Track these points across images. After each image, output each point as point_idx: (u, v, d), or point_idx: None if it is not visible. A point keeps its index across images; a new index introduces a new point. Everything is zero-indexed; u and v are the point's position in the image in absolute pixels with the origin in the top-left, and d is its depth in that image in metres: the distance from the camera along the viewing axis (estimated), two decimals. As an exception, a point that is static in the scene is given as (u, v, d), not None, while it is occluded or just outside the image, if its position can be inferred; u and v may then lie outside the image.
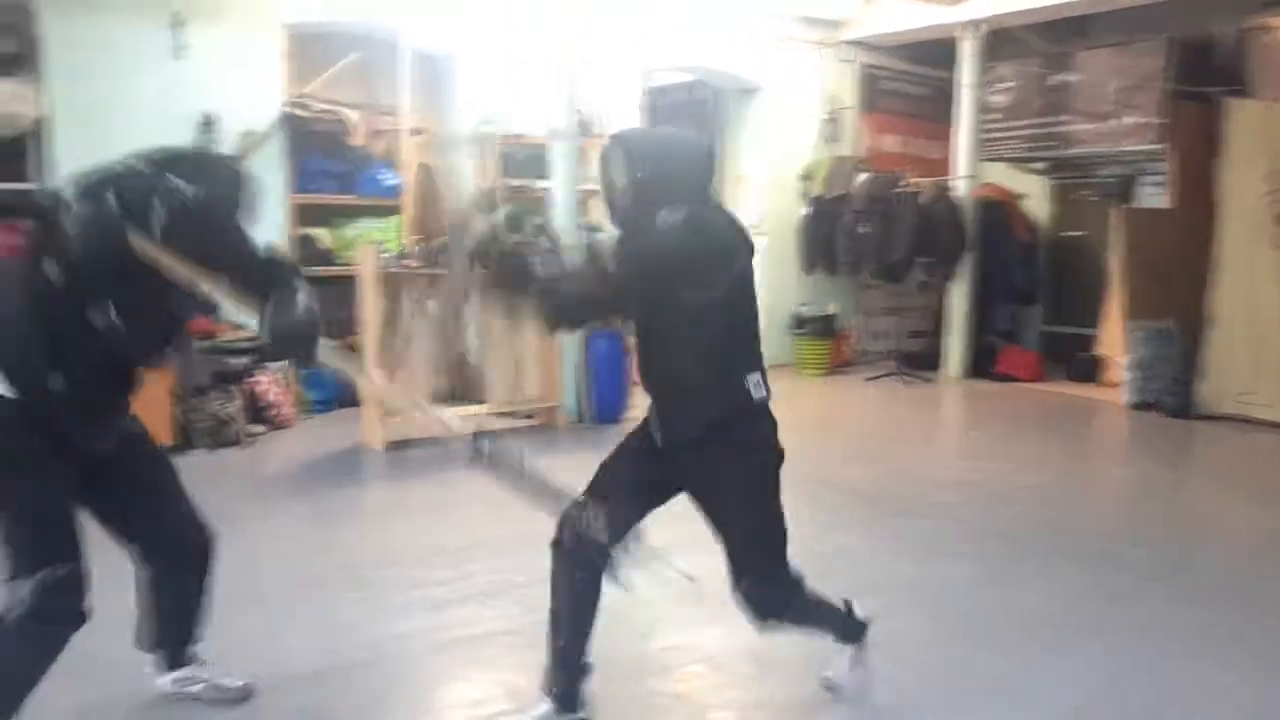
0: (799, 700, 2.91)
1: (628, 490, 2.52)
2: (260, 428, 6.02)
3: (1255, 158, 7.05)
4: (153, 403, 5.38)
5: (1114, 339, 8.16)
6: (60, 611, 2.24)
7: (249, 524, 4.50)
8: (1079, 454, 6.66)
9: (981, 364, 8.91)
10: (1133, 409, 7.50)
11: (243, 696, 2.76)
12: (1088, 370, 8.60)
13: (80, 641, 2.33)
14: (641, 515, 2.53)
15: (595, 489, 2.54)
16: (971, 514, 4.85)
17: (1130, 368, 7.58)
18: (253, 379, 6.06)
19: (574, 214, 6.57)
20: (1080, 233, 9.54)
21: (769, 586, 2.52)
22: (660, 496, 2.58)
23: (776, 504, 2.53)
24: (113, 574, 2.57)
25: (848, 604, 2.79)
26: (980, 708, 2.86)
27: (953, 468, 6.08)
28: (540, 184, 7.20)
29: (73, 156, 5.84)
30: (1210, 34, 8.19)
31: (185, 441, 5.54)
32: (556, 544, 2.55)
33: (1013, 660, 3.17)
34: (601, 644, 3.20)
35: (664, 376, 2.49)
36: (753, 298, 2.51)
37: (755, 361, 2.52)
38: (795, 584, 2.57)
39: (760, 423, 2.52)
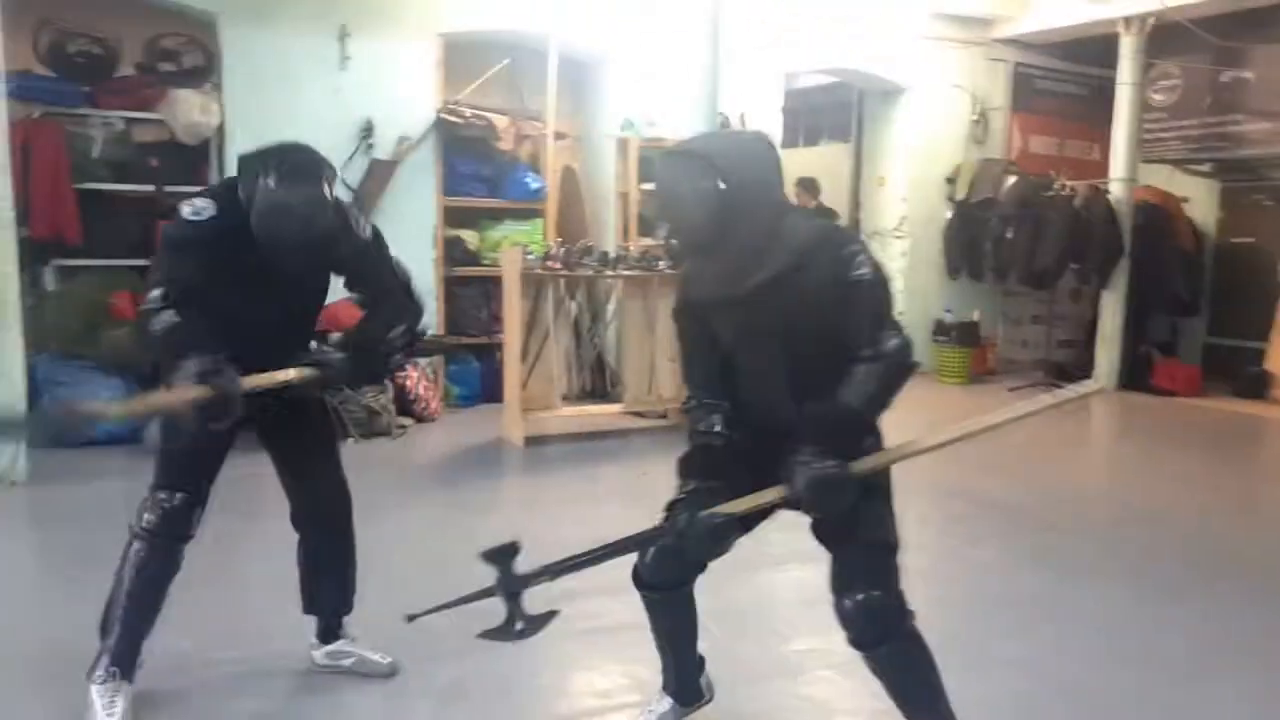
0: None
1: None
2: (408, 420, 6.32)
3: None
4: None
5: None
6: (171, 528, 2.59)
7: (395, 511, 4.76)
8: (1238, 474, 6.27)
9: (1136, 377, 8.48)
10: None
11: (390, 673, 2.94)
12: (1255, 386, 8.08)
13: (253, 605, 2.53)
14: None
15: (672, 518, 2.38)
16: (1116, 533, 4.65)
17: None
18: (403, 373, 6.37)
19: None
20: (1250, 239, 8.95)
21: (885, 605, 2.26)
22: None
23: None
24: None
25: None
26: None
27: (1098, 484, 5.84)
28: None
29: (247, 160, 6.31)
30: None
31: (339, 431, 5.87)
32: (642, 588, 2.57)
33: (1156, 683, 3.04)
34: (734, 644, 3.26)
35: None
36: None
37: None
38: (907, 612, 2.28)
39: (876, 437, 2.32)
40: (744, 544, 3.98)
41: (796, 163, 9.81)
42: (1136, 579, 4.01)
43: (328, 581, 2.92)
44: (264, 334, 2.60)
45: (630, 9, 7.38)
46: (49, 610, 3.30)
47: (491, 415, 6.48)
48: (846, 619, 2.24)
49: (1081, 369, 8.75)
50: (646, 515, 3.76)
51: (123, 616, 2.59)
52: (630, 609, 3.45)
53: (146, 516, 2.59)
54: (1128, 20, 8.16)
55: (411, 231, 6.85)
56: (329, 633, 2.95)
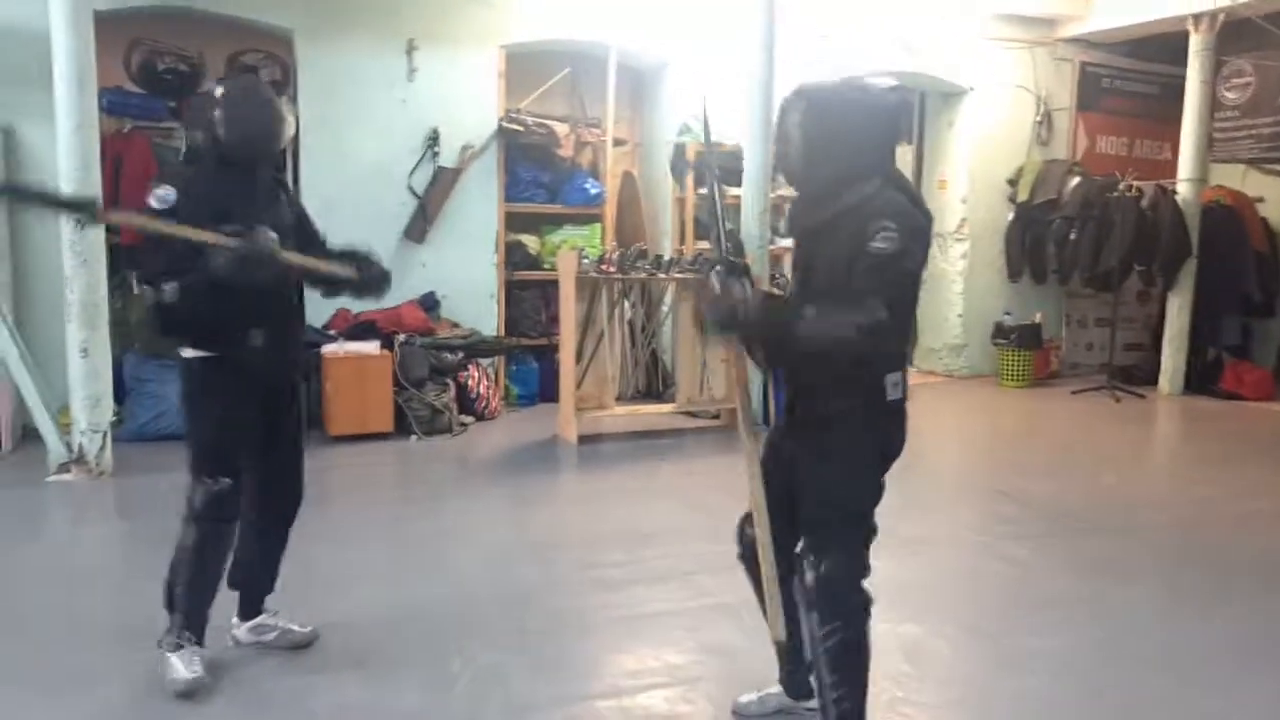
0: (949, 703, 2.96)
1: (773, 506, 2.43)
2: (469, 418, 6.56)
3: None
4: (376, 392, 6.03)
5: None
6: (222, 511, 2.85)
7: (454, 503, 5.01)
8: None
9: (1206, 380, 8.32)
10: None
11: (311, 639, 3.16)
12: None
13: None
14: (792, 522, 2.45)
15: (809, 521, 2.46)
16: (1168, 538, 4.63)
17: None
18: (464, 373, 6.61)
19: (764, 220, 6.72)
20: (1328, 238, 8.71)
21: (826, 576, 2.35)
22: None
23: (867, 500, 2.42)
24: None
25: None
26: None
27: (1155, 488, 5.77)
28: (733, 191, 7.40)
29: (318, 169, 6.63)
30: None
31: (404, 427, 6.13)
32: (740, 557, 2.67)
33: (1189, 688, 3.07)
34: (764, 633, 3.36)
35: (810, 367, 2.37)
36: (916, 295, 2.37)
37: (898, 361, 2.41)
38: (853, 591, 2.39)
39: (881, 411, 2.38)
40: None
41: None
42: (1171, 582, 4.02)
43: (269, 565, 3.13)
44: (257, 294, 2.79)
45: (687, 17, 7.52)
46: (129, 587, 3.58)
47: (549, 414, 6.69)
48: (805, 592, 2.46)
49: (1147, 372, 8.62)
50: (689, 512, 3.91)
51: (186, 593, 2.86)
52: (667, 599, 3.62)
53: (198, 502, 2.84)
54: (1197, 17, 8.01)
55: (475, 237, 7.12)
56: (252, 609, 3.15)
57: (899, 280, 2.23)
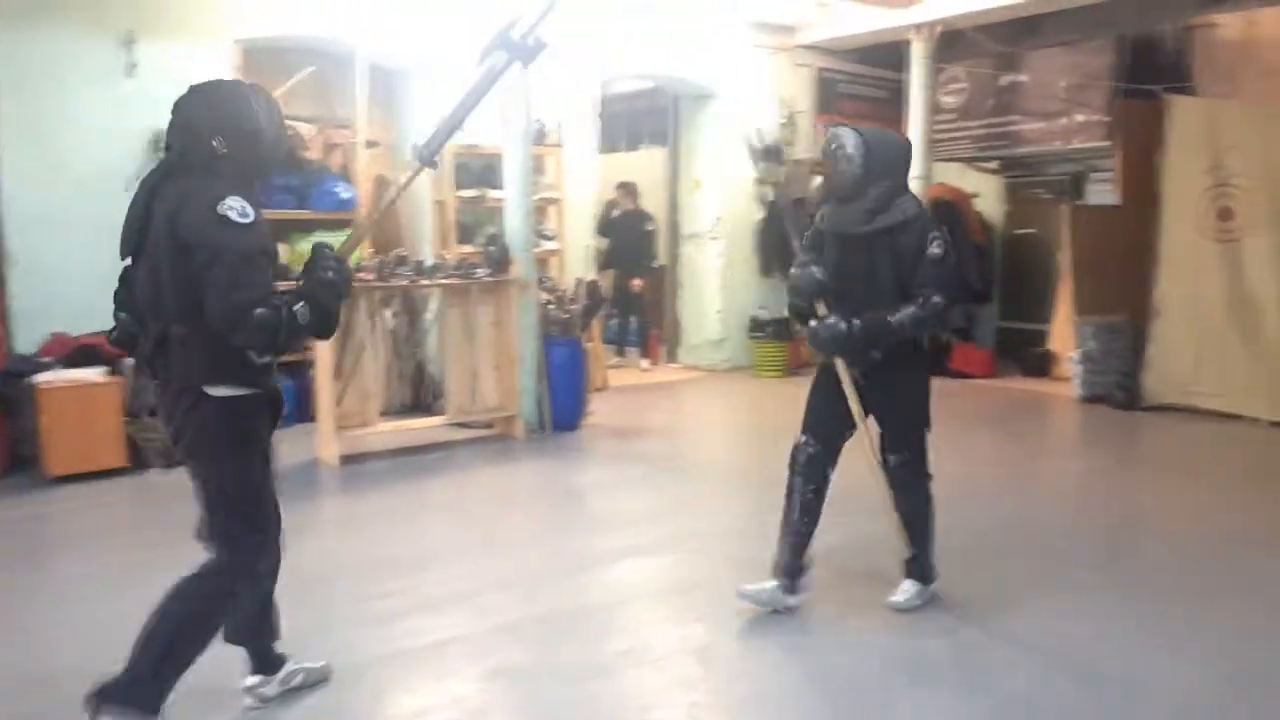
0: (744, 701, 2.98)
1: (833, 419, 3.45)
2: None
3: (1197, 153, 7.21)
4: (105, 424, 5.41)
5: (1064, 334, 8.32)
6: (264, 565, 2.67)
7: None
8: (1030, 448, 6.78)
9: (936, 362, 9.03)
10: (1083, 402, 7.65)
11: (329, 673, 2.99)
12: (1040, 366, 8.76)
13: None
14: (845, 434, 3.48)
15: (809, 424, 3.50)
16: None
17: (1080, 362, 7.73)
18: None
19: (529, 223, 6.62)
20: (1032, 230, 9.71)
21: (912, 465, 3.49)
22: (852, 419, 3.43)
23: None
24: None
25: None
26: (934, 688, 2.94)
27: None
28: (494, 194, 7.26)
29: (20, 172, 5.86)
30: (1156, 32, 8.37)
31: (139, 462, 5.53)
32: (791, 466, 3.51)
33: (951, 642, 3.26)
34: (553, 648, 3.27)
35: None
36: None
37: None
38: (927, 476, 3.54)
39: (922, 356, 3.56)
40: (562, 551, 4.02)
41: (618, 167, 9.96)
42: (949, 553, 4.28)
43: (273, 609, 2.89)
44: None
45: (439, 17, 7.28)
46: None
47: (306, 435, 6.24)
48: (888, 476, 3.51)
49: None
50: (464, 529, 3.75)
51: (185, 653, 2.56)
52: (449, 626, 3.43)
53: (242, 560, 2.61)
54: (918, 27, 8.67)
55: (214, 246, 6.54)
56: (272, 661, 2.90)
57: (950, 273, 3.36)
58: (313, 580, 3.92)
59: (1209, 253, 7.15)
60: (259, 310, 2.31)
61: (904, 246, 3.26)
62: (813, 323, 3.29)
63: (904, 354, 3.37)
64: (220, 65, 6.53)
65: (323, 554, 4.40)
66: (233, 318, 2.32)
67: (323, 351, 5.85)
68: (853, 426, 3.44)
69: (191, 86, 2.52)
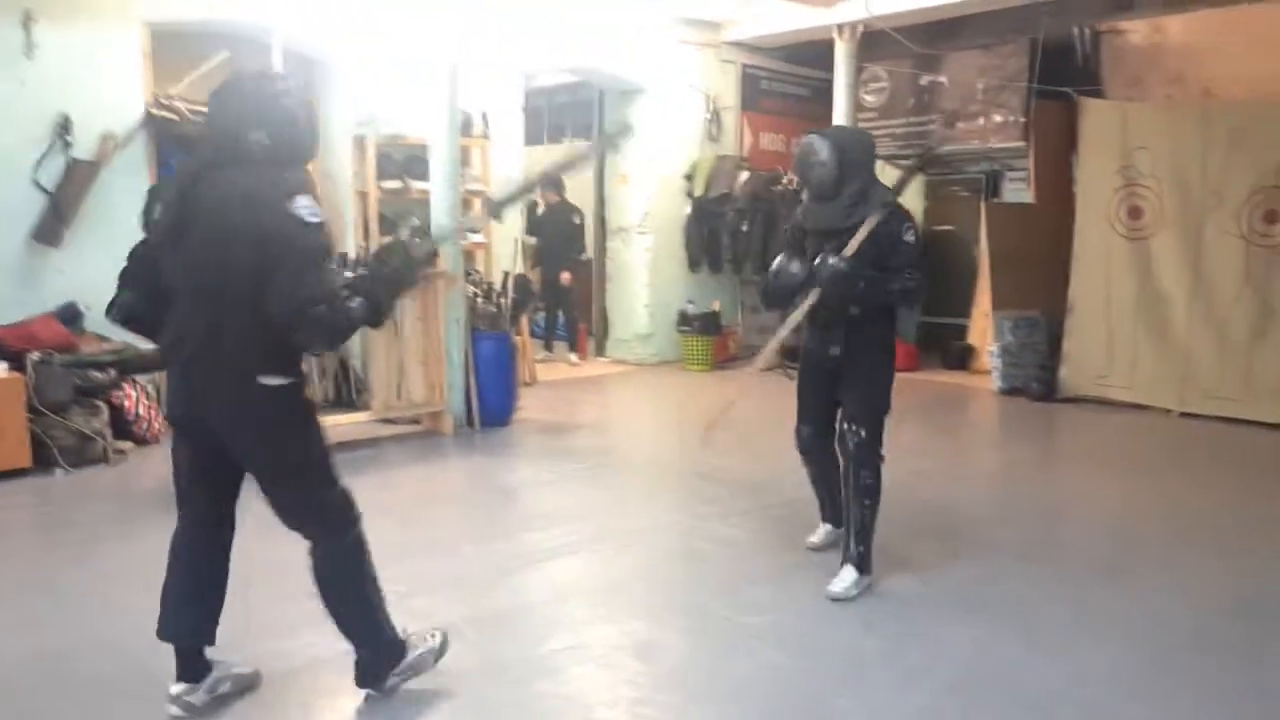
0: (687, 696, 2.95)
1: (819, 401, 3.82)
2: (127, 444, 5.76)
3: (1108, 154, 7.46)
4: (6, 421, 5.13)
5: (983, 328, 8.53)
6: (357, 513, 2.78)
7: (116, 544, 4.33)
8: (951, 440, 6.92)
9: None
10: (1002, 395, 7.85)
11: (256, 678, 2.93)
12: (960, 359, 8.96)
13: None
14: (834, 415, 3.81)
15: (801, 411, 3.91)
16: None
17: (998, 355, 7.93)
18: (118, 393, 5.80)
19: (454, 215, 6.50)
20: (951, 227, 9.93)
21: (867, 443, 3.65)
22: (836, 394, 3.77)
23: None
24: None
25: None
26: (863, 681, 2.96)
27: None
28: (418, 185, 7.11)
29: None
30: (1068, 36, 8.63)
31: (45, 460, 5.26)
32: (798, 448, 3.98)
33: (885, 636, 3.29)
34: (494, 648, 3.20)
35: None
36: None
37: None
38: (879, 456, 3.69)
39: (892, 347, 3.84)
40: (496, 550, 3.96)
41: (541, 160, 9.85)
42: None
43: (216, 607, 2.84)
44: None
45: (360, 5, 7.09)
46: None
47: (226, 432, 6.03)
48: (843, 447, 3.75)
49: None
50: (397, 528, 3.64)
51: (380, 604, 2.81)
52: (323, 646, 3.28)
53: (347, 508, 2.73)
54: (840, 27, 8.77)
55: (124, 239, 6.05)
56: (200, 668, 2.77)
57: (923, 255, 3.64)
58: (237, 582, 3.76)
59: (1120, 250, 7.40)
60: (320, 308, 2.38)
61: (882, 234, 3.52)
62: (824, 259, 3.51)
63: (879, 342, 3.72)
64: (127, 49, 6.27)
65: (247, 555, 4.23)
66: (296, 316, 2.39)
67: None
68: (838, 405, 3.79)
69: (225, 81, 2.58)
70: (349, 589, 2.73)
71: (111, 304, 2.78)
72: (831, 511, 4.09)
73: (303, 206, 2.40)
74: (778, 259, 3.73)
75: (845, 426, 3.69)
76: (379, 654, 2.78)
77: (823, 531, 4.17)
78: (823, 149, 3.59)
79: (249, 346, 2.47)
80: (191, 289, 2.52)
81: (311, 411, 2.66)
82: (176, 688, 2.73)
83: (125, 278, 2.74)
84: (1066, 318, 7.61)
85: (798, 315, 3.62)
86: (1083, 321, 7.54)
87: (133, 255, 2.72)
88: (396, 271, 2.60)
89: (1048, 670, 3.08)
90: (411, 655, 2.85)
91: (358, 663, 2.78)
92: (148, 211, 2.62)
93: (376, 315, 2.57)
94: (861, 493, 3.66)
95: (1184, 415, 6.98)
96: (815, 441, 3.92)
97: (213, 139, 2.53)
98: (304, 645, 3.21)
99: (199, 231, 2.46)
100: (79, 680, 2.97)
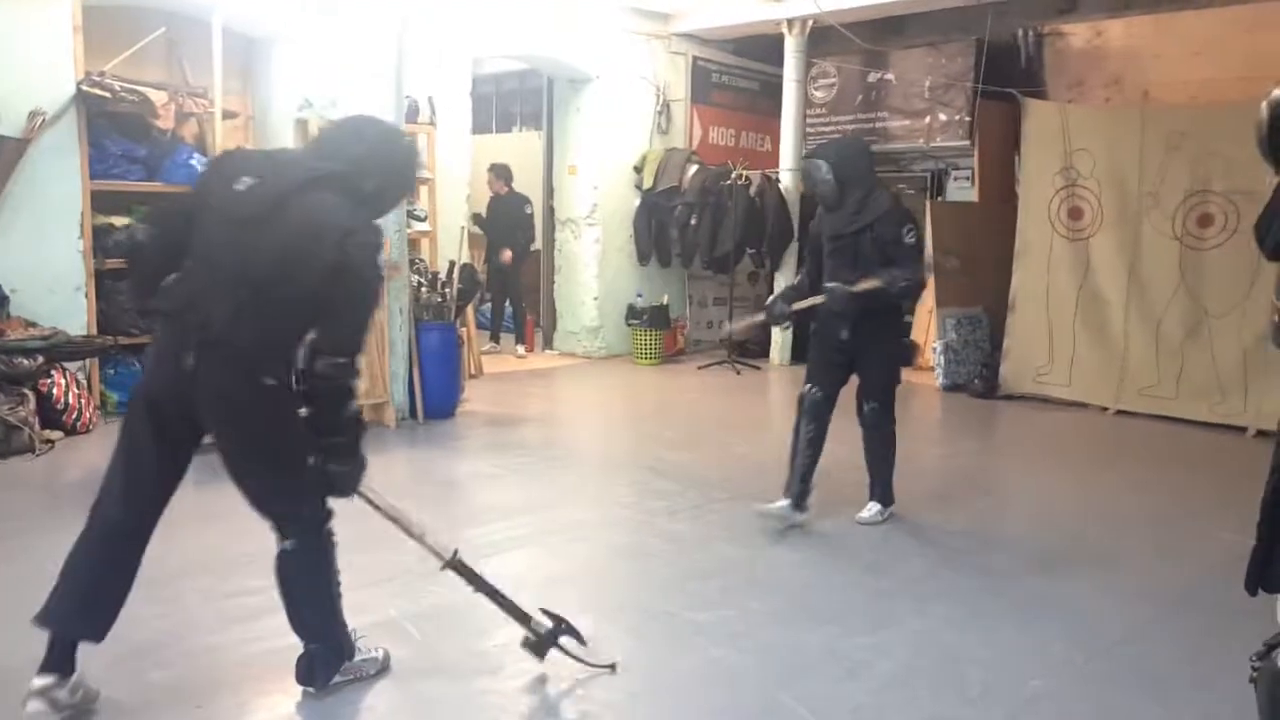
0: (630, 693, 2.92)
1: (830, 369, 4.40)
2: (56, 433, 5.56)
3: (1050, 155, 7.58)
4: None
5: (927, 325, 8.62)
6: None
7: (42, 538, 4.14)
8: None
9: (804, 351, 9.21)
10: (945, 391, 7.95)
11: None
12: (906, 354, 9.03)
13: None
14: (840, 384, 4.43)
15: (812, 375, 4.41)
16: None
17: (941, 352, 8.03)
18: (46, 380, 5.59)
19: (401, 206, 6.37)
20: (897, 224, 10.00)
21: (881, 411, 4.44)
22: (847, 371, 4.43)
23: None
24: None
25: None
26: (807, 677, 2.95)
27: (779, 453, 6.25)
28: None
29: None
30: (1011, 37, 8.75)
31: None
32: (800, 403, 4.41)
33: (831, 632, 3.29)
34: (436, 645, 3.14)
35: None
36: None
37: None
38: (892, 421, 4.48)
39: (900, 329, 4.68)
40: (442, 543, 3.85)
41: (489, 149, 9.76)
42: (810, 538, 4.34)
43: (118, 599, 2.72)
44: None
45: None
46: None
47: (160, 422, 5.86)
48: (862, 419, 4.51)
49: (761, 345, 9.39)
50: (341, 518, 3.56)
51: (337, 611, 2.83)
52: (254, 644, 3.20)
53: (320, 514, 2.75)
54: (790, 21, 8.81)
55: (52, 219, 6.04)
56: (69, 662, 2.61)
57: (920, 254, 4.30)
58: (168, 579, 3.65)
59: (1061, 249, 7.53)
60: (347, 360, 2.52)
61: (883, 235, 4.15)
62: (828, 284, 4.23)
63: (890, 328, 4.43)
64: (57, 23, 6.03)
65: (180, 550, 4.09)
66: (342, 355, 2.51)
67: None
68: (846, 378, 4.43)
69: (353, 120, 2.75)
70: (312, 583, 2.73)
71: (118, 242, 2.81)
72: (799, 490, 4.38)
73: (384, 262, 2.61)
74: (774, 294, 4.57)
75: (861, 403, 4.43)
76: (329, 652, 2.76)
77: (780, 506, 4.38)
78: (822, 167, 4.21)
79: (266, 345, 2.52)
80: (233, 273, 2.49)
81: (295, 409, 2.61)
82: (41, 681, 2.56)
83: (156, 216, 2.81)
84: (1008, 315, 7.73)
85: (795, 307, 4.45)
86: (1023, 320, 7.67)
87: (175, 202, 2.77)
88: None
89: (987, 664, 3.11)
90: (358, 658, 2.85)
91: (303, 658, 2.75)
92: (220, 174, 2.62)
93: (352, 452, 2.67)
94: (884, 444, 4.50)
95: (1120, 413, 7.13)
96: (823, 404, 4.40)
97: (325, 163, 2.59)
98: (239, 640, 3.12)
99: (279, 234, 2.48)
100: (-1, 680, 2.85)
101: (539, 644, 2.93)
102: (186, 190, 2.66)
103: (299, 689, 2.81)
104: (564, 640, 2.95)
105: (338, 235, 2.48)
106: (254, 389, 2.51)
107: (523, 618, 2.95)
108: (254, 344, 2.49)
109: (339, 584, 2.79)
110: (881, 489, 4.55)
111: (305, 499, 2.68)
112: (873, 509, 4.52)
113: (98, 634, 2.62)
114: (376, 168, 2.63)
